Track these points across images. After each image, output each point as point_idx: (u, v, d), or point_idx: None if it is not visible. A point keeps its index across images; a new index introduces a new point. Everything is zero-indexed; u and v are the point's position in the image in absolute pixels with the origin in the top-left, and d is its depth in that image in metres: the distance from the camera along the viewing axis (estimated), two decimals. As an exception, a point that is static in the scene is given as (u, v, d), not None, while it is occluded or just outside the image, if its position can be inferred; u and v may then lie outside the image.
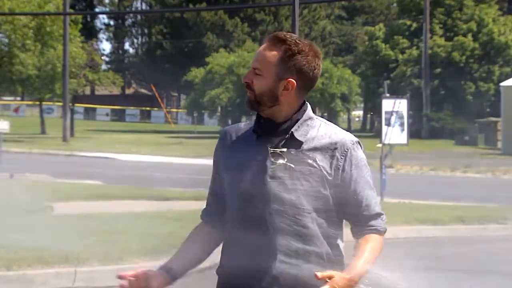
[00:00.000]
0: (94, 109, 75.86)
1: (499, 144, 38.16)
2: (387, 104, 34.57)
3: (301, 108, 2.89)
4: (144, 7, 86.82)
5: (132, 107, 77.25)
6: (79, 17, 49.13)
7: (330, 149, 2.84)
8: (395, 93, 41.34)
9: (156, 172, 22.57)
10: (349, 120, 71.78)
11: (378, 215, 2.90)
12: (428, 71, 47.95)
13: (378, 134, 21.33)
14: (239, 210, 2.85)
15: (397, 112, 19.09)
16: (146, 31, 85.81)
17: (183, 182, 18.73)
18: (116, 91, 77.58)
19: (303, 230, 2.79)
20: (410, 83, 49.38)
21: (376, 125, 60.21)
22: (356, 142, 2.89)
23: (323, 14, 71.71)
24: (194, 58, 63.37)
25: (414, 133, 43.36)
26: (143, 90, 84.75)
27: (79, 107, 67.57)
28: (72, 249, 8.73)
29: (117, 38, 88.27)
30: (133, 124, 66.67)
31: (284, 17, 65.80)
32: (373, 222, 2.88)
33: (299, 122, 2.86)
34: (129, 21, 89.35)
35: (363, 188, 2.87)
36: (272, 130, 2.85)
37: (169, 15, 69.71)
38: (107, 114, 75.55)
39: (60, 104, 44.96)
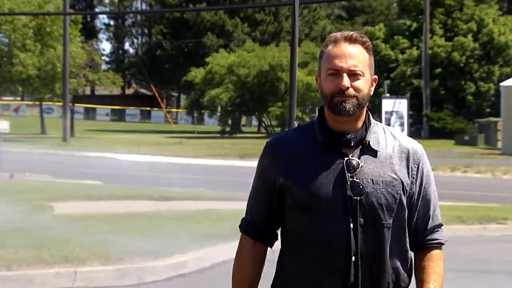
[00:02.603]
0: (94, 109, 75.89)
1: (499, 144, 38.14)
2: (387, 104, 34.48)
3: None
4: (144, 7, 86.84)
5: (132, 107, 77.28)
6: (79, 17, 49.14)
7: (404, 158, 2.72)
8: (395, 93, 41.44)
9: (156, 172, 22.56)
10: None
11: (440, 226, 2.82)
12: (428, 71, 47.95)
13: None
14: (316, 225, 2.64)
15: (397, 112, 19.09)
16: (146, 31, 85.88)
17: (183, 182, 18.73)
18: (116, 91, 77.61)
19: (385, 247, 2.66)
20: (410, 83, 49.37)
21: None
22: (423, 148, 2.81)
23: (323, 14, 71.71)
24: (194, 58, 63.38)
25: (414, 133, 43.40)
26: (143, 90, 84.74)
27: (79, 107, 67.61)
28: (72, 249, 8.73)
29: (117, 38, 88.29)
30: (133, 124, 66.67)
31: (284, 17, 65.81)
32: (436, 235, 2.80)
33: (370, 129, 2.71)
34: (129, 21, 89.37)
35: (432, 197, 2.79)
36: (345, 140, 2.67)
37: (169, 15, 69.70)
38: (107, 114, 75.59)
39: (60, 104, 44.97)
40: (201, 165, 26.15)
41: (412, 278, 2.80)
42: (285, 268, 2.75)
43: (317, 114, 2.77)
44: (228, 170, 24.28)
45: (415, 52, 49.73)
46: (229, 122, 53.80)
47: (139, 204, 13.68)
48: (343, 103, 2.62)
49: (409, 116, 36.15)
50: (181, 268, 8.78)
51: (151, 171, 23.18)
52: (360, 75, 2.65)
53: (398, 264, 2.71)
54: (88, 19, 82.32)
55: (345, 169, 2.63)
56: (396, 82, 48.88)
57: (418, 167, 2.74)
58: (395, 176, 2.67)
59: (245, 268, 2.81)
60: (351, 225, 2.61)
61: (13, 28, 39.77)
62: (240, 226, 2.84)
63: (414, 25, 51.33)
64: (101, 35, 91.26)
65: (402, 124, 31.65)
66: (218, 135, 50.29)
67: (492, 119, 42.96)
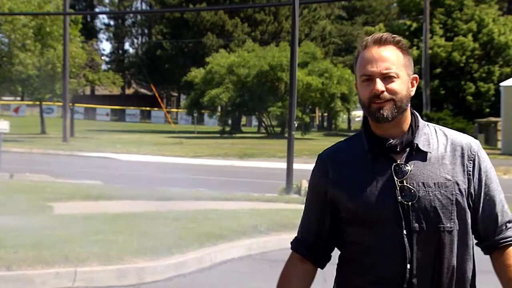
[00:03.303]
0: (94, 109, 75.91)
1: (499, 144, 38.15)
2: (387, 104, 34.21)
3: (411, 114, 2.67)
4: (144, 7, 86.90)
5: (132, 107, 77.30)
6: (79, 17, 49.14)
7: (458, 156, 2.62)
8: (395, 93, 41.40)
9: (156, 172, 22.56)
10: (349, 120, 71.80)
11: (511, 222, 2.68)
12: (428, 71, 47.95)
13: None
14: (370, 235, 2.58)
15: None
16: (146, 31, 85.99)
17: (183, 182, 18.73)
18: (116, 91, 77.65)
19: (445, 251, 2.57)
20: (410, 83, 49.38)
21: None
22: (479, 144, 2.69)
23: (323, 14, 71.78)
24: (194, 58, 63.44)
25: (414, 133, 43.34)
26: (143, 90, 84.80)
27: (79, 107, 67.62)
28: (72, 249, 8.73)
29: (117, 38, 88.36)
30: (133, 124, 66.70)
31: (284, 17, 65.84)
32: (509, 232, 2.66)
33: (418, 130, 2.64)
34: (129, 21, 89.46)
35: (495, 193, 2.66)
36: (391, 145, 2.60)
37: (169, 15, 69.75)
38: (107, 114, 75.62)
39: (60, 104, 44.98)
40: (201, 165, 26.15)
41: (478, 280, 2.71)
42: (343, 280, 2.70)
43: (362, 122, 2.70)
44: (228, 170, 24.28)
45: (415, 52, 49.72)
46: (229, 122, 53.84)
47: (139, 204, 13.67)
48: (381, 110, 2.56)
49: (409, 116, 36.12)
50: (181, 268, 8.78)
51: (151, 171, 23.18)
52: (395, 77, 2.57)
53: (462, 268, 2.61)
54: (88, 19, 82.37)
55: (394, 174, 2.56)
56: (396, 82, 48.88)
57: (474, 164, 2.63)
58: (449, 177, 2.57)
59: (290, 285, 2.72)
60: (405, 231, 2.53)
61: (13, 28, 39.75)
62: (291, 243, 2.80)
63: (414, 25, 51.35)
64: (101, 35, 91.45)
65: (402, 124, 31.72)
66: (218, 135, 50.29)
67: (492, 119, 42.99)
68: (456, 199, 2.57)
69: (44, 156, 29.03)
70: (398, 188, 2.55)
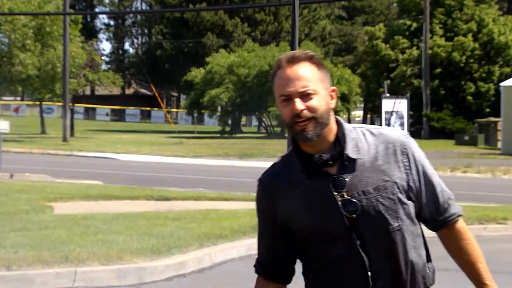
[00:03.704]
0: (94, 109, 75.95)
1: (499, 144, 38.14)
2: (387, 104, 34.47)
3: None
4: (144, 7, 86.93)
5: (132, 107, 77.31)
6: (79, 17, 49.14)
7: (391, 154, 2.64)
8: (395, 93, 41.43)
9: (156, 172, 22.57)
10: (349, 120, 71.84)
11: (450, 198, 2.74)
12: (428, 71, 47.95)
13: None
14: (325, 252, 2.61)
15: (397, 112, 19.06)
16: (146, 31, 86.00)
17: (183, 182, 18.73)
18: (116, 91, 77.63)
19: (399, 250, 2.61)
20: (410, 83, 49.37)
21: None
22: (408, 135, 2.71)
23: (323, 14, 71.75)
24: (194, 58, 63.44)
25: (414, 133, 43.37)
26: (143, 90, 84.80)
27: (79, 107, 67.62)
28: (72, 249, 8.73)
29: (117, 38, 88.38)
30: (133, 124, 66.72)
31: (284, 17, 65.84)
32: (451, 210, 2.72)
33: (345, 138, 2.62)
34: (129, 21, 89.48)
35: (433, 177, 2.70)
36: (322, 161, 2.59)
37: (169, 15, 69.74)
38: (107, 114, 75.65)
39: (60, 104, 44.99)
40: (201, 165, 26.15)
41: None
42: None
43: (292, 142, 2.69)
44: (228, 170, 24.28)
45: (415, 52, 49.72)
46: (229, 122, 53.85)
47: (139, 204, 13.68)
48: (303, 132, 2.56)
49: (409, 116, 36.16)
50: (181, 268, 8.78)
51: (151, 171, 23.18)
52: (313, 94, 2.56)
53: (417, 257, 2.66)
54: (88, 19, 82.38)
55: (332, 189, 2.57)
56: (396, 82, 48.90)
57: (408, 157, 2.65)
58: (386, 178, 2.60)
59: None
60: (358, 242, 2.56)
61: (13, 28, 39.74)
62: (254, 266, 2.82)
63: (414, 25, 51.34)
64: (101, 35, 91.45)
65: (402, 124, 31.66)
66: (218, 135, 50.29)
67: (492, 119, 42.98)
68: (398, 197, 2.60)
69: (44, 156, 29.03)
70: (339, 202, 2.57)
